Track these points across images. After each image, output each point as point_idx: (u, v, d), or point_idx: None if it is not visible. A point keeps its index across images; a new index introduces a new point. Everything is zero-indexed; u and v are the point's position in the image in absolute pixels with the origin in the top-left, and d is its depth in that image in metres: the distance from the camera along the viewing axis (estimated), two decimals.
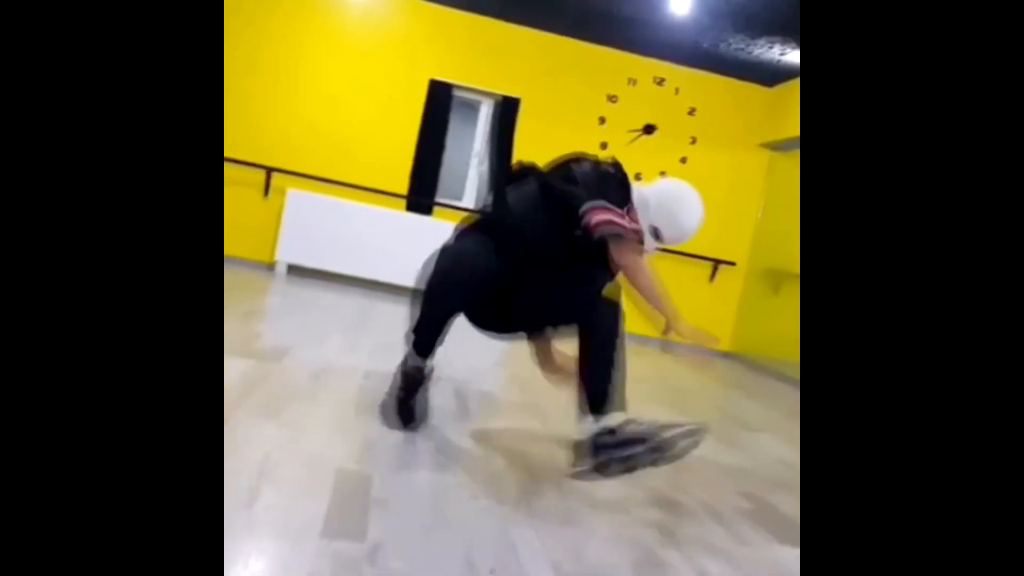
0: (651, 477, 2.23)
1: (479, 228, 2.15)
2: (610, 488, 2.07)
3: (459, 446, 2.18)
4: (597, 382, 2.02)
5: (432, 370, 2.21)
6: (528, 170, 2.26)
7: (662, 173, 5.98)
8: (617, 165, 2.17)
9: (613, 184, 2.11)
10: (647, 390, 3.66)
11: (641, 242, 2.10)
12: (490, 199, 2.32)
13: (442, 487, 1.81)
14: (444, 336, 2.15)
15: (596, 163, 2.17)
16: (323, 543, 1.40)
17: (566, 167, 2.15)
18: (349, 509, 1.57)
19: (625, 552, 1.64)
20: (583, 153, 2.26)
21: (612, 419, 1.98)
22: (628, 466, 1.93)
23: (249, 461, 1.73)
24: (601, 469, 1.94)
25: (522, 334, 2.32)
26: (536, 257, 2.07)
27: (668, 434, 1.97)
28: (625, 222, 2.03)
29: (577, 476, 1.98)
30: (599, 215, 2.00)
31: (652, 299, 2.05)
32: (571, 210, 2.04)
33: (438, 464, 1.97)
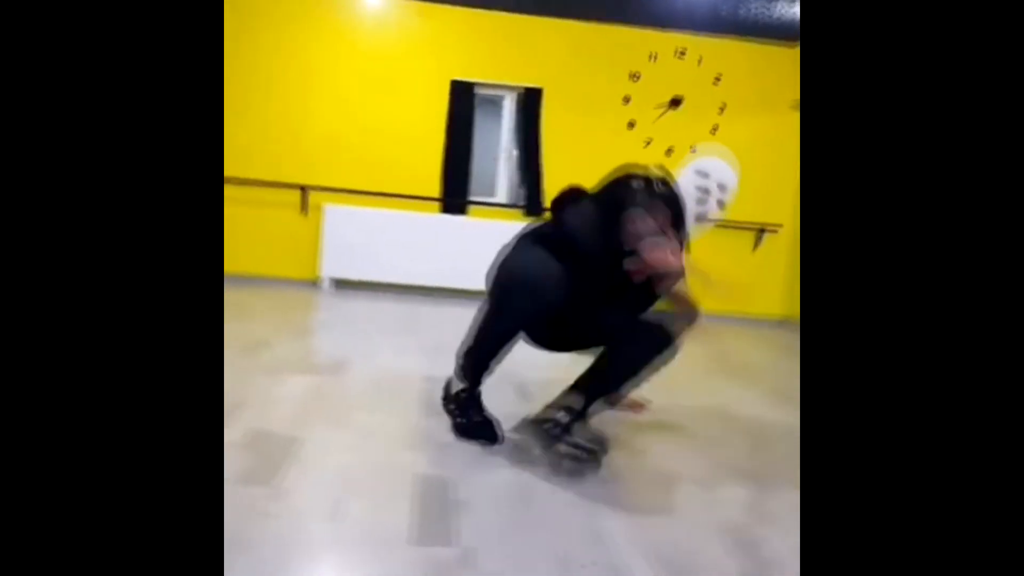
0: (730, 453, 2.20)
1: (539, 241, 2.06)
2: (690, 467, 2.05)
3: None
4: (600, 384, 2.01)
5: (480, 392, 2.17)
6: (580, 193, 2.22)
7: (692, 148, 5.88)
8: (667, 182, 2.12)
9: (661, 203, 2.06)
10: (711, 366, 3.61)
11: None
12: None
13: (521, 484, 1.80)
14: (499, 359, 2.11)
15: (647, 181, 2.09)
16: (413, 550, 1.41)
17: (617, 186, 2.09)
18: (433, 514, 1.58)
19: (719, 532, 1.61)
20: (634, 168, 2.18)
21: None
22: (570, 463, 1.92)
23: (327, 474, 1.75)
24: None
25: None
26: (588, 271, 2.00)
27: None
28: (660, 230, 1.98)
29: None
30: (637, 221, 1.95)
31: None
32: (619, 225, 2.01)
33: (513, 461, 1.96)
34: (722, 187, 2.19)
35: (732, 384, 3.34)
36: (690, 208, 2.15)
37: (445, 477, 1.79)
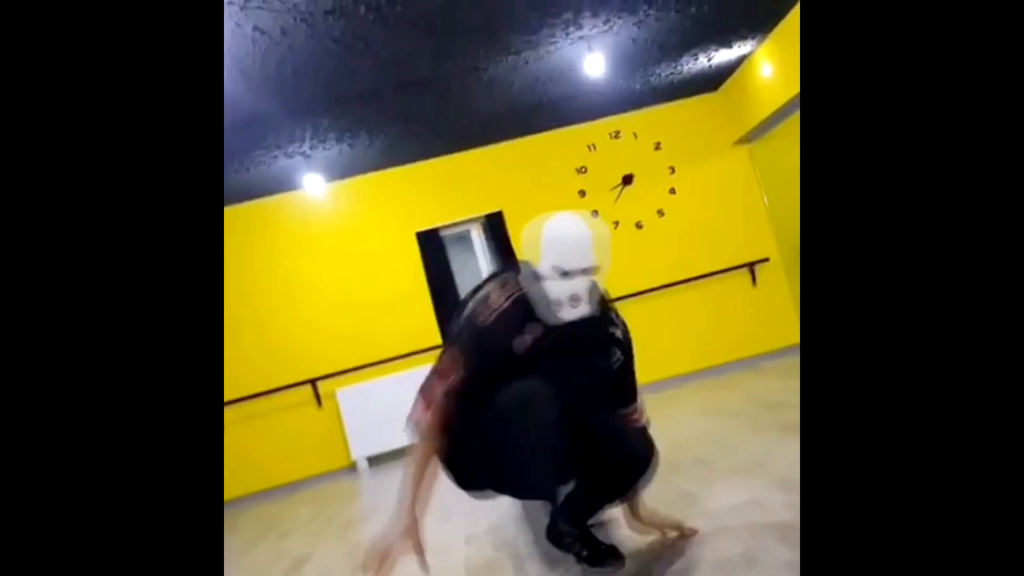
0: (774, 517, 2.13)
1: None
2: (735, 548, 1.98)
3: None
4: None
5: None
6: None
7: (660, 212, 6.02)
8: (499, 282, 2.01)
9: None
10: (758, 415, 3.53)
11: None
12: None
13: None
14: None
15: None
16: None
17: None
18: None
19: None
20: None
21: None
22: None
23: None
24: None
25: None
26: None
27: None
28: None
29: None
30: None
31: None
32: None
33: None
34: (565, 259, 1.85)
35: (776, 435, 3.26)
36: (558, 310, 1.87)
37: None
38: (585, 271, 1.85)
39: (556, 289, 1.84)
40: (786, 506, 2.20)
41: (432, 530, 3.01)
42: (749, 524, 2.13)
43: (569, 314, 1.86)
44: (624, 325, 2.10)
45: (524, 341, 1.90)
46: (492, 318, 1.93)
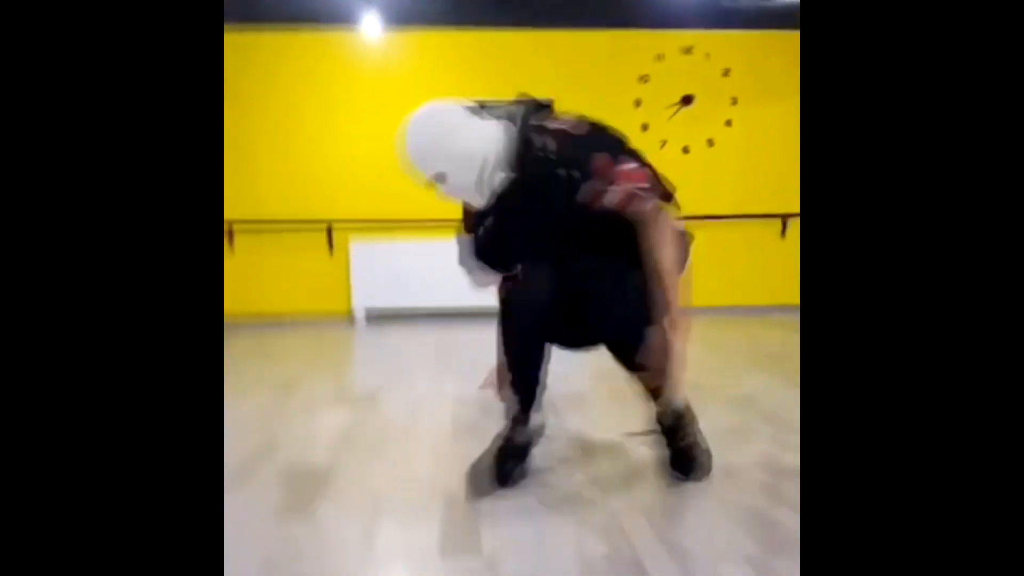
0: (756, 444, 2.21)
1: None
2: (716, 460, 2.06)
3: (555, 449, 2.21)
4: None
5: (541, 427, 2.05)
6: None
7: (710, 141, 5.89)
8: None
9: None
10: (750, 361, 3.59)
11: None
12: None
13: (547, 492, 1.85)
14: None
15: None
16: (444, 563, 1.47)
17: None
18: (462, 527, 1.63)
19: (737, 517, 1.64)
20: None
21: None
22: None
23: (362, 499, 1.82)
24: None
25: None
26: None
27: None
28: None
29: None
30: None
31: None
32: None
33: (539, 468, 2.01)
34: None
35: (766, 375, 3.32)
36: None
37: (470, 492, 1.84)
38: (438, 176, 1.86)
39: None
40: (771, 440, 2.28)
41: (425, 392, 3.14)
42: (734, 447, 2.21)
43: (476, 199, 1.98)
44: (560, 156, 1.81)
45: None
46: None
